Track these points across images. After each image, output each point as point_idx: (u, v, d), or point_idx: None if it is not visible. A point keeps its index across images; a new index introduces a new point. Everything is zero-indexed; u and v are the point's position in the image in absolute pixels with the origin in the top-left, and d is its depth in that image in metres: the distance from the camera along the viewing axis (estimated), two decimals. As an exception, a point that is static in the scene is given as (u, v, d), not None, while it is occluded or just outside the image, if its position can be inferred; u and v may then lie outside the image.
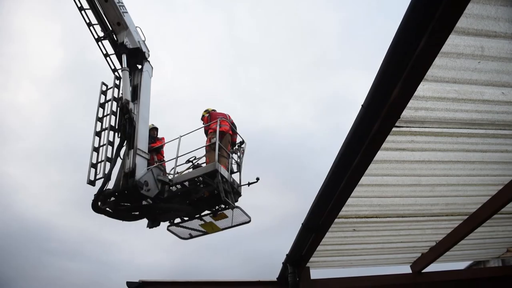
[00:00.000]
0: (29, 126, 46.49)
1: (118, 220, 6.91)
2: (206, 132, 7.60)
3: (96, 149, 7.09)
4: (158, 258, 41.26)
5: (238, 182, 7.15)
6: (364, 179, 3.58)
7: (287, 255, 5.02)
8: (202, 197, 6.60)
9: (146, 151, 7.01)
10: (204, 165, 7.02)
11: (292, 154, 47.48)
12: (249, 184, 7.13)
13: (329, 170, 3.52)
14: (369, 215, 4.47)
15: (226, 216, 6.81)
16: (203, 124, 7.70)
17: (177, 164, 7.18)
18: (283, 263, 5.22)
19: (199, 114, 8.08)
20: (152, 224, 6.88)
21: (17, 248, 38.39)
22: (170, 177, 6.99)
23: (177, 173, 7.04)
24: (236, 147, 7.82)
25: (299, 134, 50.00)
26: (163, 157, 8.18)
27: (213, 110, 8.07)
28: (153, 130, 8.11)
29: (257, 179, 7.14)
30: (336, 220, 4.21)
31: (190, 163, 7.28)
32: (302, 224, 4.28)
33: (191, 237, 7.45)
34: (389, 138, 3.14)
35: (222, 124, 7.27)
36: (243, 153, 7.75)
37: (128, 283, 4.82)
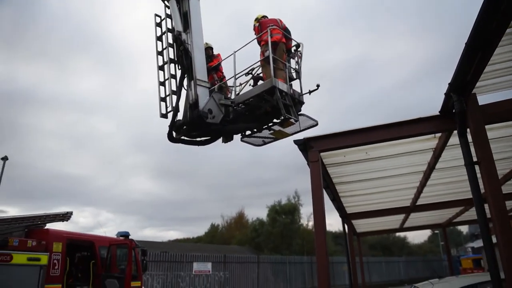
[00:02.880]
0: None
1: (194, 145, 7.30)
2: (260, 43, 7.22)
3: (162, 83, 7.27)
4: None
5: (299, 90, 6.88)
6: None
7: (449, 83, 4.67)
8: (266, 111, 6.59)
9: (206, 80, 6.98)
10: (261, 81, 6.84)
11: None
12: (310, 92, 6.83)
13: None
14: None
15: (293, 123, 6.67)
16: (255, 35, 7.28)
17: (236, 82, 7.09)
18: (445, 93, 4.91)
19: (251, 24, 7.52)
20: (226, 139, 7.15)
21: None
22: (232, 96, 7.02)
23: (237, 94, 7.00)
24: (293, 51, 7.32)
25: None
26: (222, 73, 8.07)
27: (263, 17, 7.52)
28: (207, 50, 7.84)
29: (318, 86, 6.75)
30: (508, 30, 3.65)
31: (250, 75, 7.14)
32: (465, 43, 3.84)
33: (265, 143, 7.60)
34: None
35: (274, 34, 6.82)
36: (300, 58, 7.22)
37: (295, 141, 5.33)
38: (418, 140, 5.75)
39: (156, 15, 7.62)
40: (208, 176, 71.79)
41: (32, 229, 8.93)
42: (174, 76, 7.24)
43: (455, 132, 5.08)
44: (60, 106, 75.03)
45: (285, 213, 39.44)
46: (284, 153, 71.55)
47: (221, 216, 66.98)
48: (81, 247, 9.90)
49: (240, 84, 7.37)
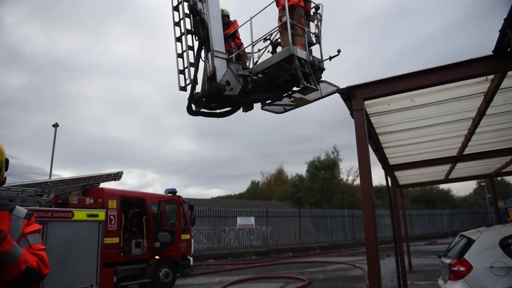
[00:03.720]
0: None
1: (214, 117, 7.18)
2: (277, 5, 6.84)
3: (180, 55, 7.03)
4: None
5: (319, 56, 6.58)
6: None
7: (505, 19, 4.32)
8: (285, 80, 6.38)
9: (223, 51, 6.73)
10: (280, 47, 6.59)
11: None
12: (330, 58, 6.52)
13: None
14: None
15: (314, 90, 6.41)
16: None
17: (255, 48, 6.89)
18: (500, 30, 4.56)
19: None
20: (247, 109, 7.00)
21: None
22: (250, 65, 6.82)
23: (255, 62, 6.78)
24: (312, 13, 6.92)
25: None
26: (240, 40, 7.80)
27: None
28: (224, 17, 7.49)
29: (339, 51, 6.40)
30: None
31: (269, 41, 6.90)
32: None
33: (286, 110, 7.46)
34: None
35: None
36: (320, 21, 6.81)
37: (338, 91, 5.22)
38: (468, 84, 5.44)
39: None
40: (246, 134, 72.69)
41: (88, 188, 9.60)
42: (191, 48, 6.98)
43: (510, 73, 4.76)
44: (100, 73, 77.29)
45: (324, 168, 39.53)
46: (321, 109, 70.59)
47: (261, 173, 68.33)
48: (133, 204, 10.56)
49: (259, 50, 7.13)
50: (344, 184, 41.18)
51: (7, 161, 2.07)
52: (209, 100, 6.62)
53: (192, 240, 11.55)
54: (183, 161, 74.31)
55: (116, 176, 10.08)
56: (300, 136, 68.36)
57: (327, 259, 18.27)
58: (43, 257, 1.98)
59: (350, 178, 42.79)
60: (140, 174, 71.69)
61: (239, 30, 7.69)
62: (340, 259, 17.84)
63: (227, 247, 21.26)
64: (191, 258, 11.22)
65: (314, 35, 6.80)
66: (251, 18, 6.74)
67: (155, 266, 10.04)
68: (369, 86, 4.74)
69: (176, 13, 7.17)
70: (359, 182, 4.61)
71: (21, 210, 2.08)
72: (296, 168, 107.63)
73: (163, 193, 11.36)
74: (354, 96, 4.58)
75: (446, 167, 11.78)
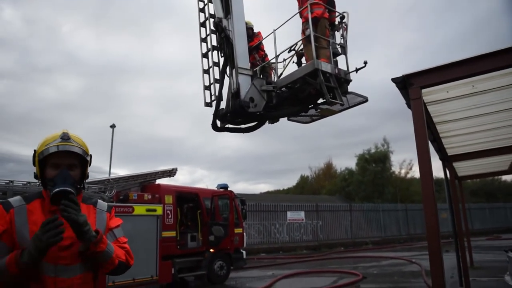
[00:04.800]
0: None
1: (239, 133, 7.18)
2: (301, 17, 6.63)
3: (206, 71, 7.07)
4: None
5: (346, 67, 6.35)
6: None
7: None
8: (310, 94, 6.23)
9: (248, 67, 6.64)
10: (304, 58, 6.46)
11: None
12: (356, 70, 6.25)
13: None
14: None
15: (339, 104, 6.19)
16: (298, 5, 6.69)
17: (280, 58, 6.76)
18: None
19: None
20: (272, 121, 6.91)
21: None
22: (274, 77, 6.76)
23: (280, 75, 6.67)
24: (337, 23, 6.66)
25: None
26: (264, 52, 7.72)
27: None
28: (248, 30, 7.31)
29: (365, 63, 6.12)
30: None
31: (293, 51, 6.77)
32: None
33: (313, 120, 7.32)
34: None
35: (314, 8, 6.20)
36: (346, 30, 6.56)
37: (393, 79, 5.05)
38: (537, 67, 5.05)
39: (199, 0, 7.27)
40: (293, 128, 72.48)
41: (145, 184, 10.08)
42: (217, 64, 6.99)
43: None
44: (150, 73, 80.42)
45: (375, 161, 38.42)
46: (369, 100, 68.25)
47: (309, 167, 67.73)
48: (188, 199, 10.94)
49: (284, 60, 6.99)
50: (396, 177, 39.78)
51: (90, 156, 2.18)
52: (234, 116, 6.56)
53: (244, 234, 11.76)
54: (231, 157, 75.58)
55: (171, 173, 10.50)
56: (348, 129, 66.86)
57: (380, 254, 17.81)
58: (128, 250, 2.16)
59: (403, 171, 41.27)
60: (190, 171, 73.94)
61: (264, 42, 7.59)
62: (394, 254, 17.31)
63: (278, 242, 21.38)
64: (244, 252, 11.44)
65: (339, 46, 6.58)
66: (274, 30, 6.64)
67: (210, 259, 10.36)
68: (427, 74, 4.54)
69: (203, 29, 7.22)
70: (418, 174, 4.45)
71: (103, 204, 2.26)
72: (345, 162, 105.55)
73: (215, 188, 11.65)
74: (410, 84, 4.41)
75: (511, 156, 11.01)
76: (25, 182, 8.02)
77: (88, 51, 75.88)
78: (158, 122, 76.39)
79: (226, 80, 6.79)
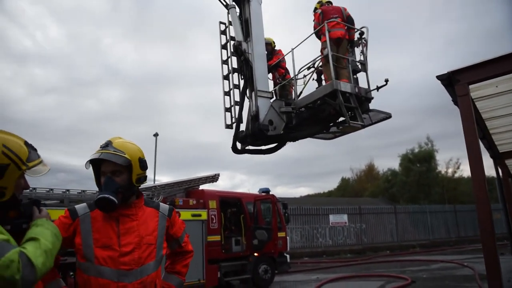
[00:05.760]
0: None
1: (260, 155, 7.14)
2: (317, 35, 6.55)
3: (226, 93, 7.05)
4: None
5: (366, 86, 6.22)
6: None
7: None
8: (330, 113, 6.16)
9: (267, 89, 6.64)
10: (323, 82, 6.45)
11: None
12: (378, 88, 6.08)
13: None
14: None
15: (360, 124, 6.05)
16: (315, 21, 6.61)
17: (300, 75, 6.79)
18: None
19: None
20: (294, 140, 6.88)
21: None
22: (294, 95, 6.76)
23: (299, 94, 6.67)
24: (356, 39, 6.50)
25: None
26: (284, 70, 7.65)
27: (328, 2, 6.80)
28: (267, 46, 7.29)
29: (386, 80, 5.91)
30: None
31: (313, 68, 6.76)
32: None
33: (335, 136, 7.23)
34: None
35: (336, 28, 6.19)
36: (366, 46, 6.35)
37: (438, 77, 4.91)
38: None
39: (220, 22, 7.31)
40: (331, 131, 71.31)
41: (189, 190, 10.36)
42: (237, 86, 7.01)
43: None
44: (187, 81, 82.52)
45: (419, 161, 37.09)
46: (409, 96, 66.09)
47: (350, 169, 66.49)
48: (231, 203, 11.12)
49: (304, 76, 6.95)
50: (443, 177, 38.14)
51: (141, 160, 2.19)
52: (253, 139, 6.57)
53: (288, 237, 11.77)
54: (270, 161, 76.01)
55: (214, 178, 10.72)
56: (388, 128, 64.95)
57: (429, 257, 17.14)
58: (189, 248, 2.54)
59: (450, 170, 39.50)
60: (230, 176, 74.70)
61: (285, 58, 7.60)
62: (444, 257, 16.59)
63: (321, 245, 21.15)
64: (287, 256, 11.45)
65: (359, 63, 6.42)
66: (293, 49, 6.62)
67: (255, 262, 10.45)
68: (474, 69, 4.39)
69: (224, 51, 7.24)
70: (466, 173, 4.31)
71: (165, 207, 2.35)
72: (388, 162, 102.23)
73: (257, 193, 11.76)
74: (457, 81, 4.29)
75: None
76: (80, 191, 8.51)
77: (128, 62, 79.16)
78: (197, 128, 78.09)
79: (246, 102, 6.82)
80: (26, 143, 1.64)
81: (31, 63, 73.46)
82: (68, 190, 8.41)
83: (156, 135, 25.35)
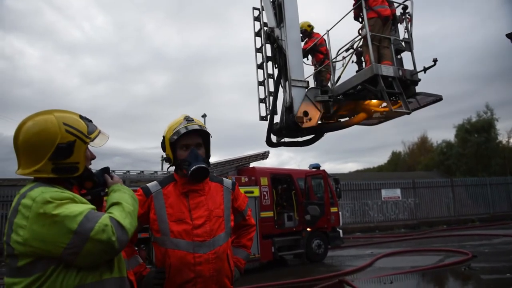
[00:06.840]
0: None
1: (297, 147, 6.83)
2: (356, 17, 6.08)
3: (261, 83, 6.74)
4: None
5: (412, 67, 5.64)
6: None
7: None
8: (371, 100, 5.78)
9: (302, 78, 6.19)
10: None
11: None
12: (425, 70, 5.42)
13: None
14: None
15: (406, 111, 5.52)
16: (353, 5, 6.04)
17: (339, 57, 6.40)
18: None
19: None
20: (332, 131, 6.53)
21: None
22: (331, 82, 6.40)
23: (337, 79, 6.29)
24: (399, 14, 5.90)
25: None
26: (324, 55, 7.18)
27: None
28: (305, 30, 6.96)
29: (434, 61, 5.24)
30: None
31: (352, 50, 6.38)
32: None
33: (380, 122, 6.80)
34: None
35: (383, 6, 5.65)
36: (410, 22, 5.72)
37: (508, 35, 4.52)
38: None
39: (254, 8, 6.91)
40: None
41: (241, 168, 10.57)
42: (271, 76, 6.65)
43: None
44: (230, 61, 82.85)
45: (477, 131, 34.98)
46: (465, 63, 61.79)
47: (402, 142, 64.25)
48: (282, 180, 11.22)
49: (343, 58, 6.45)
50: (504, 147, 35.76)
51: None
52: (288, 131, 6.23)
53: (340, 213, 11.71)
54: (316, 137, 74.96)
55: (264, 156, 10.84)
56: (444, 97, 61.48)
57: (490, 231, 16.33)
58: (252, 221, 2.62)
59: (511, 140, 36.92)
60: (276, 154, 75.25)
61: (325, 42, 7.08)
62: (507, 231, 15.74)
63: (373, 221, 20.84)
64: (340, 231, 11.43)
65: (403, 41, 5.84)
66: (328, 31, 6.22)
67: (308, 237, 10.55)
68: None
69: (258, 38, 6.90)
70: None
71: (228, 181, 2.45)
72: (442, 134, 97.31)
73: (308, 169, 11.74)
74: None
75: None
76: (139, 171, 8.99)
77: (172, 46, 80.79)
78: (242, 107, 78.76)
79: (281, 93, 6.50)
80: (81, 116, 1.71)
81: (82, 53, 77.28)
82: (128, 171, 8.91)
83: (204, 116, 25.90)
